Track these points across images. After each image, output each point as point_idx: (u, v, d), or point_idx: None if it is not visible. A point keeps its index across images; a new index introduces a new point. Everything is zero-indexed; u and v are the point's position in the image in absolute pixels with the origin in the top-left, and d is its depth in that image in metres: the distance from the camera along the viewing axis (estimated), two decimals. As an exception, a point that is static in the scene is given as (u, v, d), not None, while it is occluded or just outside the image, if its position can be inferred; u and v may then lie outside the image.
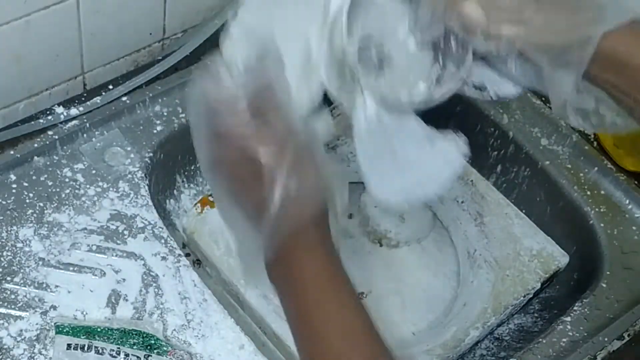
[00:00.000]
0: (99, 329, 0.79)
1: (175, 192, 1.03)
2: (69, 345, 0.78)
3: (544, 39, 0.57)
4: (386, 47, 0.64)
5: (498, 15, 0.58)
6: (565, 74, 0.57)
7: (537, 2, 0.58)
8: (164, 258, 0.87)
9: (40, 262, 0.84)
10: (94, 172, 0.92)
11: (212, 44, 1.03)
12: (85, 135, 0.94)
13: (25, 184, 0.89)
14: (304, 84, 0.63)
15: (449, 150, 0.67)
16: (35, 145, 0.92)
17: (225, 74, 0.59)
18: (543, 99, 1.08)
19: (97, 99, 0.96)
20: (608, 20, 0.56)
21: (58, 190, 0.90)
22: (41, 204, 0.88)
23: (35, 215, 0.87)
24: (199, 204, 0.92)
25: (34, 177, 0.90)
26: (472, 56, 0.61)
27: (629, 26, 0.56)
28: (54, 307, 0.81)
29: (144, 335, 0.80)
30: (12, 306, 0.81)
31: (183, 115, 0.98)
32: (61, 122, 0.94)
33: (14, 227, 0.86)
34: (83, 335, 0.79)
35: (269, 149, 0.56)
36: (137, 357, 0.78)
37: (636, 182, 1.00)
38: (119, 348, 0.78)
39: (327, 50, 0.61)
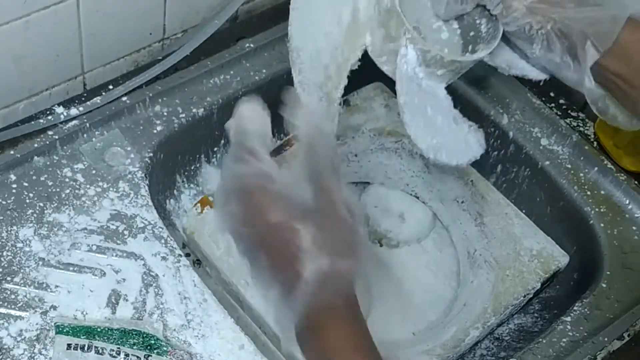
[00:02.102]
0: (99, 329, 0.80)
1: (175, 192, 1.03)
2: (69, 345, 0.78)
3: (577, 16, 0.62)
4: (423, 31, 0.70)
5: (533, 4, 0.63)
6: (594, 49, 0.61)
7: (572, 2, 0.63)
8: (164, 258, 0.87)
9: (40, 262, 0.84)
10: (94, 172, 0.92)
11: (212, 44, 1.03)
12: (85, 135, 0.94)
13: (25, 184, 0.89)
14: (351, 43, 0.67)
15: (471, 139, 0.73)
16: (35, 145, 0.92)
17: (253, 158, 0.64)
18: (543, 99, 1.08)
19: (97, 99, 0.96)
20: (634, 7, 0.60)
21: (58, 190, 0.90)
22: (41, 204, 0.88)
23: (35, 215, 0.87)
24: (199, 204, 0.92)
25: (34, 177, 0.90)
26: (501, 36, 0.67)
27: None
28: (54, 307, 0.81)
29: (144, 335, 0.80)
30: (12, 306, 0.81)
31: (183, 115, 0.99)
32: (61, 122, 0.94)
33: (14, 227, 0.86)
34: (83, 335, 0.79)
35: (309, 233, 0.57)
36: (137, 357, 0.78)
37: (636, 182, 1.00)
38: (119, 348, 0.78)
39: (376, 11, 0.65)
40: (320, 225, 0.57)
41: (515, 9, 0.65)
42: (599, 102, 0.67)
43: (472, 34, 0.71)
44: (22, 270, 0.83)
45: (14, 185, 0.89)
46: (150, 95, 0.98)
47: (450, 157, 0.75)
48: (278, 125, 1.13)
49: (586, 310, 0.90)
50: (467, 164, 0.77)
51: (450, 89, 1.09)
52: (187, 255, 0.95)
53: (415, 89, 0.70)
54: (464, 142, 0.75)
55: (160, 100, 0.99)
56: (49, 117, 0.94)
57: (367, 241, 0.64)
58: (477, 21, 0.70)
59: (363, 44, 0.69)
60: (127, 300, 0.83)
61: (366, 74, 1.09)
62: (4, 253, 0.84)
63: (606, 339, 0.88)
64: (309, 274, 0.56)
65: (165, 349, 0.79)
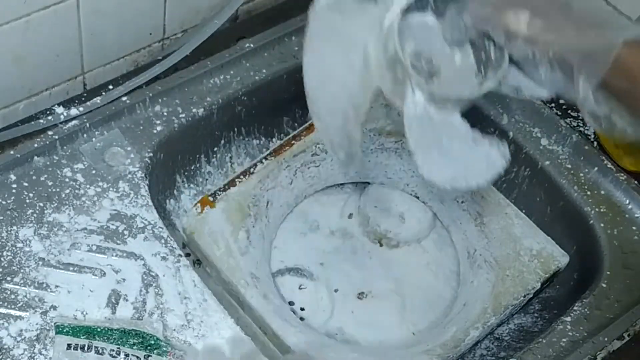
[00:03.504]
0: (99, 329, 0.80)
1: (175, 192, 1.03)
2: (69, 345, 0.78)
3: (574, 44, 0.65)
4: (435, 60, 0.73)
5: (537, 25, 0.66)
6: (586, 77, 0.65)
7: (569, 16, 0.66)
8: (164, 258, 0.87)
9: (40, 262, 0.84)
10: (94, 172, 0.92)
11: (212, 44, 1.03)
12: (85, 135, 0.94)
13: (25, 184, 0.89)
14: (364, 87, 0.72)
15: (492, 153, 0.74)
16: (35, 145, 0.92)
17: None
18: (543, 99, 1.08)
19: (97, 99, 0.96)
20: (629, 31, 0.64)
21: (58, 190, 0.90)
22: (41, 204, 0.88)
23: (35, 215, 0.87)
24: (199, 204, 0.92)
25: (34, 177, 0.90)
26: (508, 61, 0.70)
27: None
28: (54, 307, 0.81)
29: (144, 335, 0.80)
30: (12, 306, 0.81)
31: (183, 115, 0.99)
32: (61, 122, 0.94)
33: (14, 227, 0.86)
34: (83, 335, 0.79)
35: None
36: (137, 357, 0.78)
37: (636, 182, 1.00)
38: (118, 348, 0.78)
39: (383, 57, 0.70)
40: None
41: (515, 38, 0.67)
42: (602, 122, 0.69)
43: (483, 58, 0.74)
44: (22, 270, 0.83)
45: (14, 185, 0.89)
46: (150, 95, 0.98)
47: (469, 181, 0.76)
48: (278, 125, 1.14)
49: (586, 310, 0.90)
50: (490, 182, 0.77)
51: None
52: (187, 255, 0.95)
53: (427, 126, 0.72)
54: (485, 160, 0.76)
55: (160, 100, 0.99)
56: (49, 117, 0.94)
57: None
58: (487, 46, 0.73)
59: (376, 87, 0.72)
60: (127, 300, 0.83)
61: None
62: (4, 253, 0.84)
63: (606, 339, 0.88)
64: None
65: (165, 349, 0.79)
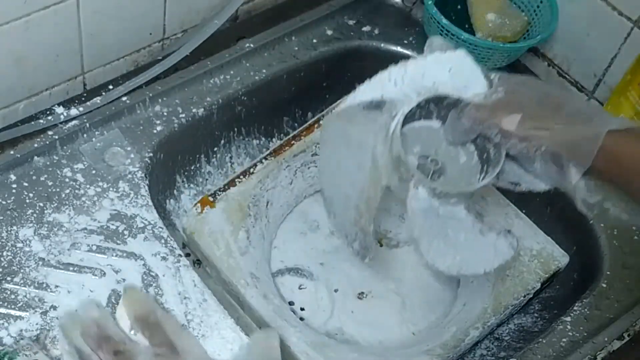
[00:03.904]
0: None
1: (175, 192, 1.03)
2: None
3: (563, 139, 0.72)
4: (440, 160, 0.80)
5: (528, 125, 0.73)
6: (577, 168, 0.71)
7: (557, 115, 0.73)
8: (164, 258, 0.87)
9: (40, 262, 0.84)
10: (94, 172, 0.92)
11: (212, 44, 1.03)
12: (85, 135, 0.94)
13: (25, 184, 0.89)
14: (374, 185, 0.77)
15: (500, 243, 0.79)
16: (35, 145, 0.92)
17: None
18: (543, 99, 1.08)
19: (97, 99, 0.96)
20: (612, 123, 0.70)
21: (58, 190, 0.90)
22: (41, 204, 0.88)
23: (35, 215, 0.87)
24: (199, 204, 0.92)
25: (34, 177, 0.90)
26: (505, 157, 0.76)
27: (628, 130, 0.71)
28: (54, 307, 0.81)
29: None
30: (12, 306, 0.81)
31: (183, 115, 0.99)
32: (61, 122, 0.94)
33: (14, 227, 0.86)
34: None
35: None
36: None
37: (636, 182, 1.00)
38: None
39: (389, 159, 0.76)
40: None
41: (509, 137, 0.73)
42: (595, 209, 0.79)
43: (484, 156, 0.80)
44: (22, 270, 0.83)
45: (14, 185, 0.89)
46: (150, 95, 0.98)
47: (476, 268, 0.80)
48: (278, 125, 1.14)
49: (586, 310, 0.90)
50: (498, 269, 0.81)
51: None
52: (187, 255, 0.95)
53: (432, 218, 0.77)
54: (492, 249, 0.80)
55: (160, 100, 0.99)
56: (49, 117, 0.94)
57: None
58: (487, 145, 0.79)
59: (384, 184, 0.77)
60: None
61: (366, 74, 1.10)
62: (4, 253, 0.84)
63: (606, 339, 0.88)
64: None
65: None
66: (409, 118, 0.78)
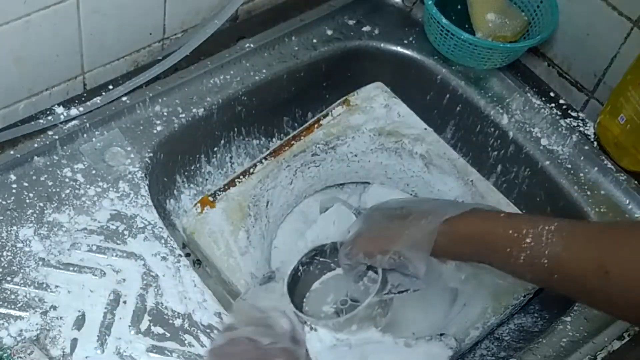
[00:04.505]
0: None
1: (175, 192, 1.03)
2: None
3: (406, 243, 0.79)
4: (355, 298, 0.86)
5: (382, 247, 0.81)
6: (417, 262, 0.79)
7: (402, 223, 0.81)
8: (164, 258, 0.87)
9: (40, 262, 0.84)
10: (94, 172, 0.92)
11: (212, 44, 1.03)
12: (85, 135, 0.94)
13: (25, 184, 0.89)
14: None
15: (434, 349, 0.84)
16: (35, 145, 0.92)
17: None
18: (543, 99, 1.08)
19: (97, 99, 0.96)
20: (450, 213, 0.78)
21: (58, 190, 0.90)
22: (41, 204, 0.88)
23: (35, 215, 0.87)
24: (199, 204, 0.92)
25: (34, 177, 0.90)
26: (388, 271, 0.82)
27: (472, 211, 0.78)
28: (54, 307, 0.81)
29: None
30: (12, 306, 0.81)
31: (183, 115, 0.99)
32: (61, 122, 0.94)
33: (14, 227, 0.86)
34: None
35: None
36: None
37: (636, 182, 1.00)
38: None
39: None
40: None
41: (374, 256, 0.81)
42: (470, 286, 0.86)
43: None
44: (22, 270, 0.83)
45: (14, 185, 0.89)
46: (150, 95, 0.98)
47: None
48: (278, 125, 1.14)
49: (586, 310, 0.90)
50: None
51: (450, 89, 1.10)
52: (187, 255, 0.95)
53: (345, 351, 0.82)
54: (427, 357, 0.84)
55: (160, 100, 0.99)
56: (49, 117, 0.94)
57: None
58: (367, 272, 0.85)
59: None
60: (127, 300, 0.83)
61: (366, 74, 1.10)
62: (4, 253, 0.84)
63: (606, 339, 0.88)
64: None
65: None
66: (312, 277, 0.87)
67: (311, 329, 0.83)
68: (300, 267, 0.87)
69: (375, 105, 1.03)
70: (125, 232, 0.88)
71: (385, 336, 0.84)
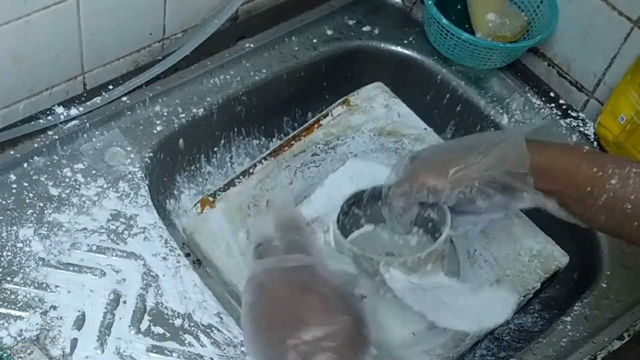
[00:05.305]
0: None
1: (175, 192, 1.03)
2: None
3: (489, 164, 0.74)
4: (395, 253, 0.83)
5: (451, 172, 0.75)
6: (520, 183, 0.73)
7: (471, 153, 0.75)
8: (164, 258, 0.87)
9: (40, 262, 0.84)
10: (94, 172, 0.92)
11: (212, 44, 1.03)
12: (85, 135, 0.94)
13: (25, 184, 0.89)
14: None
15: (499, 295, 0.81)
16: (35, 145, 0.92)
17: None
18: (543, 99, 1.08)
19: (97, 99, 0.96)
20: (522, 129, 0.75)
21: (58, 190, 0.90)
22: (41, 204, 0.88)
23: (35, 215, 0.87)
24: (199, 204, 0.92)
25: (34, 177, 0.90)
26: (450, 212, 0.78)
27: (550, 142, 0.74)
28: (54, 307, 0.81)
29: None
30: (12, 306, 0.81)
31: (183, 115, 0.99)
32: (61, 122, 0.94)
33: (14, 227, 0.86)
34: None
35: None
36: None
37: (636, 182, 1.00)
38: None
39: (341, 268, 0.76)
40: None
41: (442, 189, 0.75)
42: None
43: (429, 225, 0.83)
44: (22, 270, 0.83)
45: (14, 185, 0.89)
46: (150, 95, 0.98)
47: (487, 324, 0.81)
48: (278, 125, 1.14)
49: (586, 310, 0.90)
50: (507, 319, 0.82)
51: (450, 89, 1.10)
52: (187, 255, 0.95)
53: (420, 293, 0.78)
54: (496, 302, 0.81)
55: (160, 100, 0.99)
56: (49, 117, 0.94)
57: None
58: (426, 214, 0.81)
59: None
60: (127, 300, 0.83)
61: (366, 74, 1.10)
62: (4, 253, 0.84)
63: (606, 339, 0.88)
64: None
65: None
66: (343, 234, 0.80)
67: (387, 270, 0.78)
68: (340, 217, 0.81)
69: (375, 105, 1.03)
70: (125, 232, 0.88)
71: (452, 280, 0.80)
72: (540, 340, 0.87)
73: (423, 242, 0.84)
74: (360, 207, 0.84)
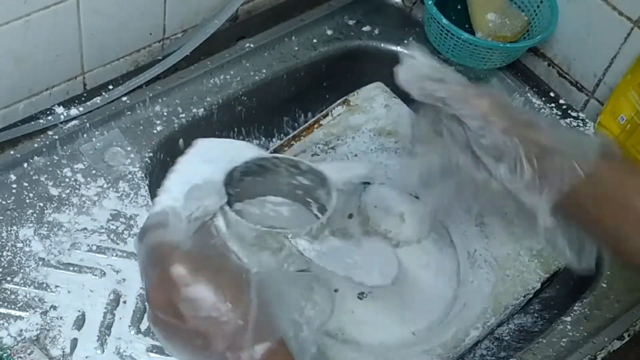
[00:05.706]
0: (99, 329, 0.80)
1: (175, 192, 1.03)
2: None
3: (558, 137, 0.66)
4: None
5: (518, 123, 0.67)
6: (559, 180, 0.66)
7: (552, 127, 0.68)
8: (164, 258, 0.87)
9: (40, 262, 0.84)
10: (94, 172, 0.92)
11: (212, 44, 1.03)
12: (85, 135, 0.94)
13: (25, 184, 0.89)
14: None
15: (380, 247, 0.85)
16: (35, 145, 0.92)
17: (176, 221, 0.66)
18: (543, 99, 1.08)
19: (97, 99, 0.96)
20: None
21: (58, 190, 0.90)
22: (41, 204, 0.88)
23: (35, 215, 0.87)
24: (199, 204, 0.92)
25: (34, 177, 0.90)
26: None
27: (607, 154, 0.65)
28: (54, 307, 0.81)
29: (144, 335, 0.80)
30: (12, 306, 0.81)
31: (183, 115, 0.98)
32: (61, 122, 0.94)
33: (14, 227, 0.86)
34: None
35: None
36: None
37: (636, 182, 1.00)
38: (119, 348, 0.78)
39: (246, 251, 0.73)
40: None
41: (494, 124, 0.67)
42: (549, 234, 0.70)
43: (299, 193, 0.81)
44: (22, 270, 0.83)
45: (14, 185, 0.89)
46: (150, 95, 0.98)
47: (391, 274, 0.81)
48: (278, 125, 1.14)
49: (586, 310, 0.90)
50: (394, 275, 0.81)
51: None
52: (187, 255, 0.95)
53: (331, 258, 0.77)
54: (378, 255, 0.81)
55: (160, 100, 0.99)
56: (49, 117, 0.94)
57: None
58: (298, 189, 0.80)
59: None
60: (127, 300, 0.83)
61: (366, 74, 1.10)
62: (4, 253, 0.84)
63: (606, 339, 0.88)
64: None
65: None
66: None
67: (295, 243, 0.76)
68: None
69: (375, 105, 1.03)
70: (125, 232, 0.88)
71: (341, 242, 0.79)
72: (540, 340, 0.87)
73: (294, 211, 0.81)
74: (232, 187, 0.80)
